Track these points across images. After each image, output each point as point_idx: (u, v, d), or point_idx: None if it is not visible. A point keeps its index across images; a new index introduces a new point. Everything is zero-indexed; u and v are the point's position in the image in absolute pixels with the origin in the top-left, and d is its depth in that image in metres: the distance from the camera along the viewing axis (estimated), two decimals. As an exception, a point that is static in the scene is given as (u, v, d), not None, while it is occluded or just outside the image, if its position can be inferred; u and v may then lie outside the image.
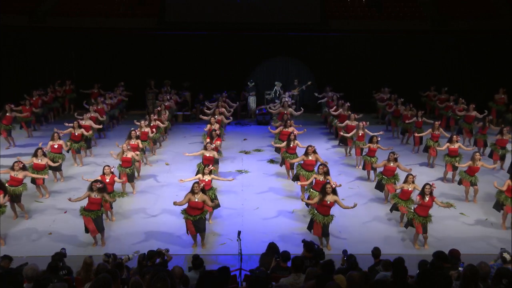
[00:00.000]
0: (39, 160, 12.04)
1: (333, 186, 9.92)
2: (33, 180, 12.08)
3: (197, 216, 9.75)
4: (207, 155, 12.42)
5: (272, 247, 8.47)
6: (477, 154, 12.09)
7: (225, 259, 9.32)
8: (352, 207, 9.84)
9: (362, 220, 11.23)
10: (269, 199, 12.38)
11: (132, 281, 5.78)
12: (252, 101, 20.99)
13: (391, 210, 11.20)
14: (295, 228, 10.79)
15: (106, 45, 21.39)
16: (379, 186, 12.16)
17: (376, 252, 8.06)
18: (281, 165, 13.95)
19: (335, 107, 17.14)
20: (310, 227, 10.08)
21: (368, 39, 21.53)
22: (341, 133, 15.29)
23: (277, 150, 14.75)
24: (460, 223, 11.16)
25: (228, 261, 8.90)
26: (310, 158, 12.05)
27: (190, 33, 21.40)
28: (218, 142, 13.53)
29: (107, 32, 21.20)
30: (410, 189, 10.59)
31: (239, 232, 8.52)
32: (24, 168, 11.21)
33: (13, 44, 21.02)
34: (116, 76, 20.74)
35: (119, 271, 6.82)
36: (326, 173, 10.98)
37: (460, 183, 12.43)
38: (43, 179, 12.22)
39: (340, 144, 16.14)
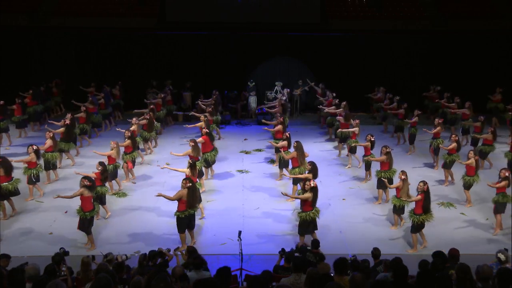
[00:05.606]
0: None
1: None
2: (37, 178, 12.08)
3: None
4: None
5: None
6: (471, 152, 12.00)
7: (226, 259, 9.31)
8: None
9: (362, 220, 11.23)
10: (269, 199, 12.38)
11: (133, 281, 5.78)
12: (252, 101, 20.97)
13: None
14: (295, 228, 10.77)
15: (106, 45, 21.38)
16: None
17: (376, 252, 8.05)
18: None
19: (333, 108, 16.91)
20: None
21: (368, 39, 21.53)
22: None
23: (277, 149, 14.68)
24: (460, 224, 11.15)
25: (229, 261, 8.89)
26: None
27: (190, 33, 21.39)
28: (201, 139, 13.10)
29: (107, 32, 21.20)
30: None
31: (239, 232, 8.52)
32: None
33: (13, 44, 21.01)
34: (116, 76, 20.71)
35: (119, 271, 6.82)
36: None
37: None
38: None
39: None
